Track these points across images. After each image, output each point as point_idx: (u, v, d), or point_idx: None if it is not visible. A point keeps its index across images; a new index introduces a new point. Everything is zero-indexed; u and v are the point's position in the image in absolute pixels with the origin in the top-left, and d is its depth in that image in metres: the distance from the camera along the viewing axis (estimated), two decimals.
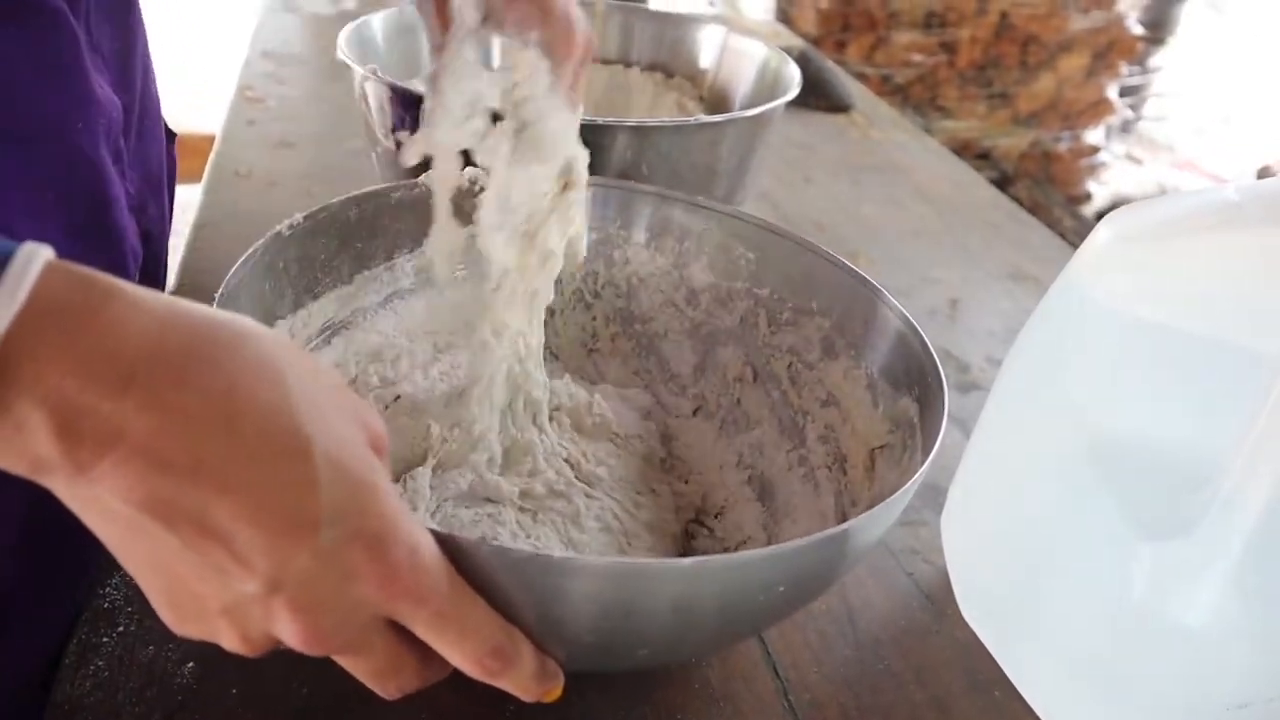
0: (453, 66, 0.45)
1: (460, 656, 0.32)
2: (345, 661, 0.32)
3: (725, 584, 0.35)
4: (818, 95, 1.23)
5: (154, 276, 0.54)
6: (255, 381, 0.28)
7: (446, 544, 0.32)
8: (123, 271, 0.47)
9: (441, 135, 0.46)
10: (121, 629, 0.45)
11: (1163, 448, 0.41)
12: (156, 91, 0.56)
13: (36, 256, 0.26)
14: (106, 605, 0.46)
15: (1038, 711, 0.47)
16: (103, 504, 0.27)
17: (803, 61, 1.04)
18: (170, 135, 0.60)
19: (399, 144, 0.69)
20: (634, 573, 0.34)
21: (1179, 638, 0.41)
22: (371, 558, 0.29)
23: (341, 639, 0.30)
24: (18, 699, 0.44)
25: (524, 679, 0.34)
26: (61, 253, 0.28)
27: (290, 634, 0.29)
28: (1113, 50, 2.79)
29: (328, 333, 0.53)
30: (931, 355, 0.47)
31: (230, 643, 0.30)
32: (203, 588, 0.29)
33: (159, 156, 0.54)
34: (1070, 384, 0.44)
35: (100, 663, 0.43)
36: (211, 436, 0.27)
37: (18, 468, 0.27)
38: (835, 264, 0.55)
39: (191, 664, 0.43)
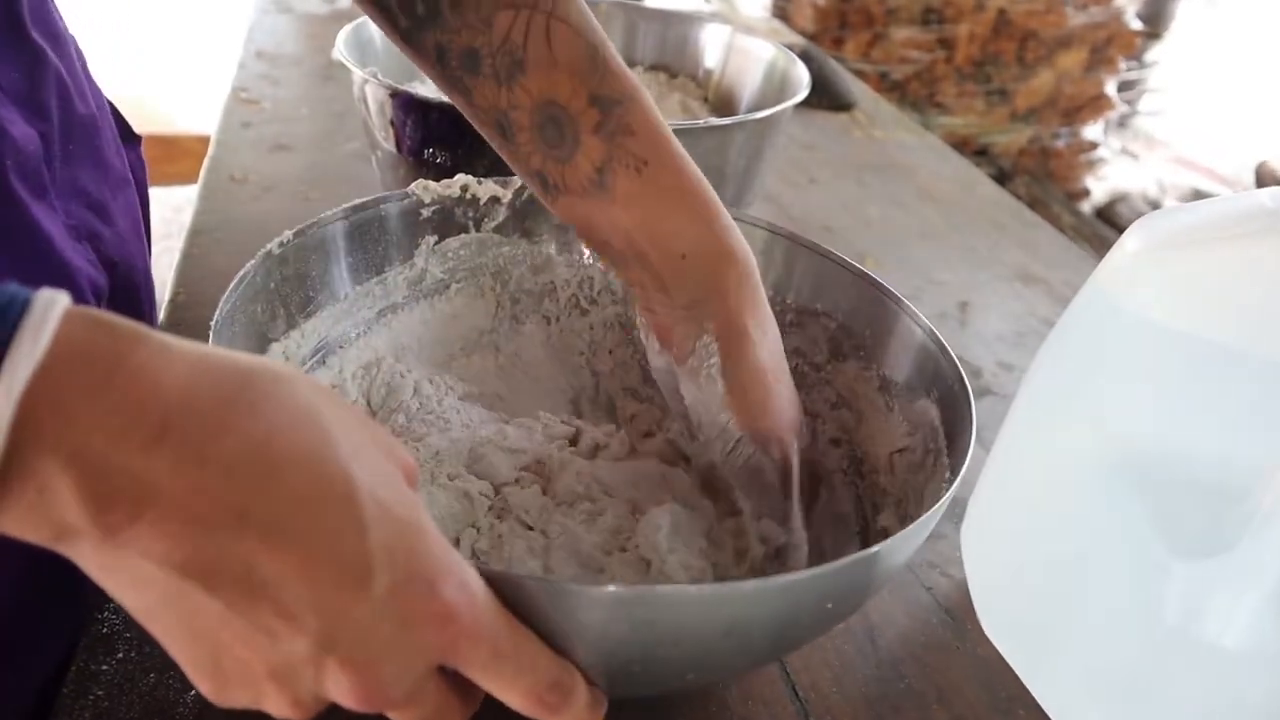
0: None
1: (518, 694, 0.31)
2: (395, 713, 0.30)
3: (778, 606, 0.34)
4: (820, 94, 1.22)
5: (133, 301, 0.51)
6: (293, 427, 0.27)
7: (494, 580, 0.31)
8: (81, 304, 0.44)
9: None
10: (121, 656, 0.43)
11: (1195, 462, 0.39)
12: (95, 106, 0.50)
13: (56, 303, 0.24)
14: (105, 631, 0.44)
15: None
16: (134, 570, 0.26)
17: (805, 59, 1.02)
18: (134, 140, 0.56)
19: (399, 146, 0.68)
20: (684, 600, 0.33)
21: (1212, 658, 0.40)
22: (427, 600, 0.28)
23: (400, 691, 0.29)
24: None
25: (579, 712, 0.33)
26: None
27: (346, 692, 0.28)
28: (1111, 45, 2.78)
29: (322, 353, 0.51)
30: (949, 354, 0.46)
31: (278, 708, 0.29)
32: (248, 652, 0.27)
33: (103, 178, 0.49)
34: (1098, 395, 0.43)
35: (100, 692, 0.42)
36: (254, 487, 0.26)
37: (39, 536, 0.25)
38: (839, 263, 0.53)
39: (194, 693, 0.42)
